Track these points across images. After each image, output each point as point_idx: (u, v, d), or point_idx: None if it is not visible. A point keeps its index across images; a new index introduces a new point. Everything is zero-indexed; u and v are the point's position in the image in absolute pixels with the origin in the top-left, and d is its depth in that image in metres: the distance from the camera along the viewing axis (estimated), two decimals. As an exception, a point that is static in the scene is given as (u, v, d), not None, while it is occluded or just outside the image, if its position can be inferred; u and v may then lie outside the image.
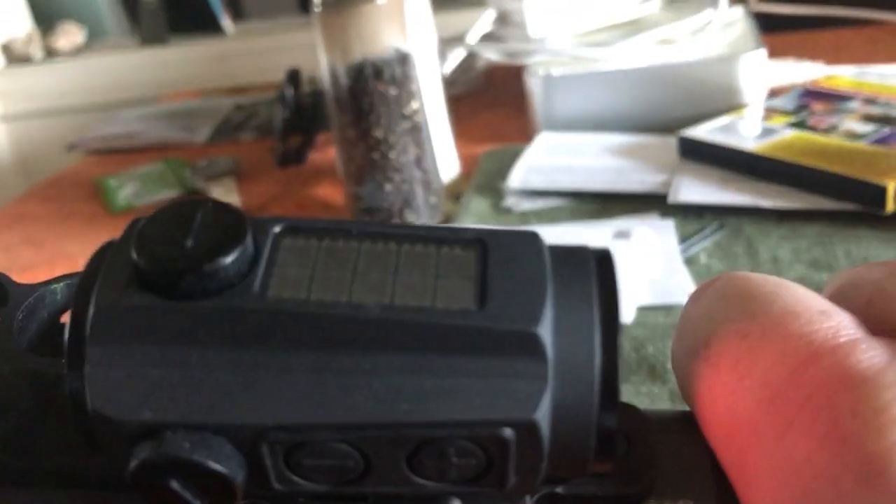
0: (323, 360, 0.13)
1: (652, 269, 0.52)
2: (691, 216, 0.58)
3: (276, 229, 0.14)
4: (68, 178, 0.84)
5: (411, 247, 0.15)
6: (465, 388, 0.13)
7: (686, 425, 0.18)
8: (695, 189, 0.59)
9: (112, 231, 0.59)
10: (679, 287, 0.51)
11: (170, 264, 0.13)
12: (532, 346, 0.13)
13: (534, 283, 0.14)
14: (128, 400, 0.13)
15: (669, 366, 0.44)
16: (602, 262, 0.15)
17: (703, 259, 0.54)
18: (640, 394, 0.43)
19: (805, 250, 0.53)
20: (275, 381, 0.13)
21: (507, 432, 0.13)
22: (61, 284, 0.20)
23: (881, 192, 0.53)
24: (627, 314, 0.48)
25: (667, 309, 0.49)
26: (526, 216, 0.62)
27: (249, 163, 0.79)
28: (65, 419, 0.16)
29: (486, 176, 0.69)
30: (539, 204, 0.63)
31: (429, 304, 0.14)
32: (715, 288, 0.19)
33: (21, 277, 0.57)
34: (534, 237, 0.15)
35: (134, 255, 0.13)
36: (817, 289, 0.48)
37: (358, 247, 0.14)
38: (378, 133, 0.61)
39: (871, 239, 0.53)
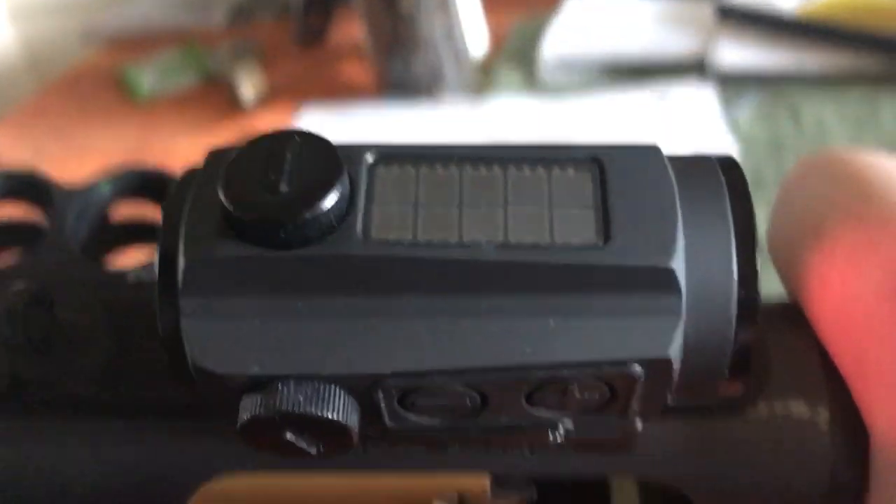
0: (437, 303, 0.12)
1: (694, 134, 0.51)
2: (731, 82, 0.56)
3: (370, 159, 0.13)
4: (86, 71, 0.82)
5: (518, 171, 0.13)
6: (592, 327, 0.12)
7: (791, 317, 0.16)
8: (734, 53, 0.57)
9: (138, 120, 0.58)
10: (724, 149, 0.50)
11: (266, 215, 0.12)
12: (665, 281, 0.12)
13: (662, 208, 0.13)
14: (232, 353, 0.12)
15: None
16: (730, 172, 0.14)
17: (745, 125, 0.53)
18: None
19: (850, 112, 0.52)
20: (387, 327, 0.12)
21: (636, 369, 0.12)
22: (106, 183, 0.20)
23: (930, 47, 0.52)
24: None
25: (711, 176, 0.48)
26: (561, 88, 0.60)
27: (270, 45, 0.77)
28: (145, 349, 0.16)
29: (517, 47, 0.67)
30: (574, 76, 0.62)
31: (547, 239, 0.12)
32: (819, 168, 0.17)
33: (52, 171, 0.57)
34: (655, 152, 0.13)
35: (224, 201, 0.12)
36: (864, 147, 0.47)
37: (459, 174, 0.13)
38: (405, 5, 0.59)
39: (918, 96, 0.52)
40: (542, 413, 0.13)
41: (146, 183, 0.20)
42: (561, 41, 0.64)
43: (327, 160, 0.12)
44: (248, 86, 0.68)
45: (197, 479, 0.16)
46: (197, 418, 0.15)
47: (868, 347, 0.15)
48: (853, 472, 0.15)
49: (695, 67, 0.58)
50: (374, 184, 0.13)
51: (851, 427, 0.15)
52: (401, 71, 0.62)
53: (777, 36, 0.58)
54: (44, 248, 0.19)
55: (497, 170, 0.13)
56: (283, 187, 0.12)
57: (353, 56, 0.71)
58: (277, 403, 0.12)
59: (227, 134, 0.62)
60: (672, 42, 0.61)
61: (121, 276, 0.18)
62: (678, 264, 0.12)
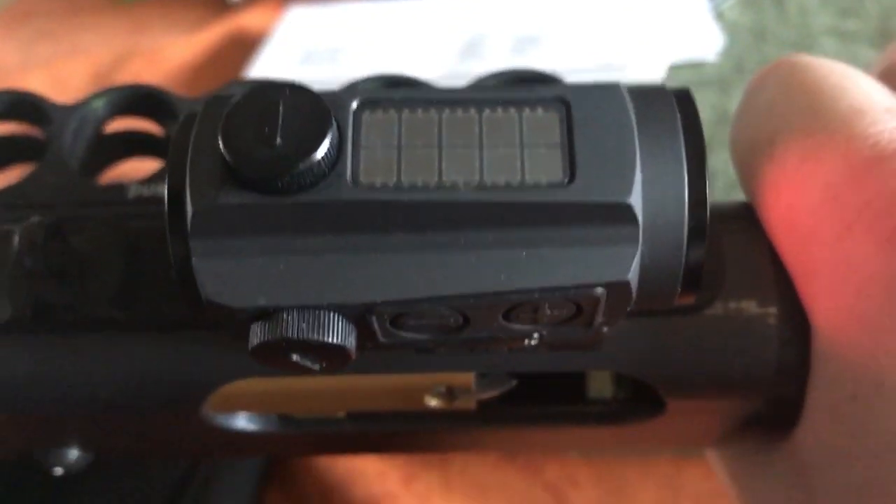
0: (421, 239, 0.14)
1: (679, 25, 0.52)
2: (717, -30, 0.56)
3: (354, 105, 0.14)
4: (68, -31, 0.81)
5: (492, 112, 0.14)
6: (559, 256, 0.14)
7: (748, 217, 0.18)
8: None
9: (125, 21, 0.57)
10: (707, 42, 0.50)
11: (264, 167, 0.13)
12: (624, 214, 0.14)
13: (621, 146, 0.14)
14: (241, 288, 0.14)
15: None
16: (684, 105, 0.15)
17: (730, 14, 0.53)
18: (670, 149, 0.44)
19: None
20: (378, 260, 0.14)
21: (599, 290, 0.14)
22: (101, 101, 0.21)
23: (915, -68, 0.52)
24: (658, 72, 0.48)
25: (696, 65, 0.49)
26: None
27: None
28: (154, 269, 0.17)
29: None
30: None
31: (518, 178, 0.14)
32: (778, 77, 0.18)
33: (43, 71, 0.57)
34: (616, 91, 0.14)
35: (225, 154, 0.14)
36: (845, 36, 0.48)
37: (438, 117, 0.14)
38: None
39: (902, -17, 0.52)
40: (518, 326, 0.15)
41: (138, 99, 0.21)
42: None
43: (316, 112, 0.14)
44: (234, -17, 0.67)
45: (211, 385, 0.18)
46: (208, 330, 0.17)
47: (811, 248, 0.16)
48: (797, 361, 0.17)
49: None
50: (360, 129, 0.14)
51: (796, 322, 0.17)
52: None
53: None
54: (44, 165, 0.20)
55: (473, 112, 0.14)
56: (278, 140, 0.13)
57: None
58: (282, 330, 0.14)
59: (215, 31, 0.62)
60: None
61: (121, 189, 0.19)
62: (636, 199, 0.14)
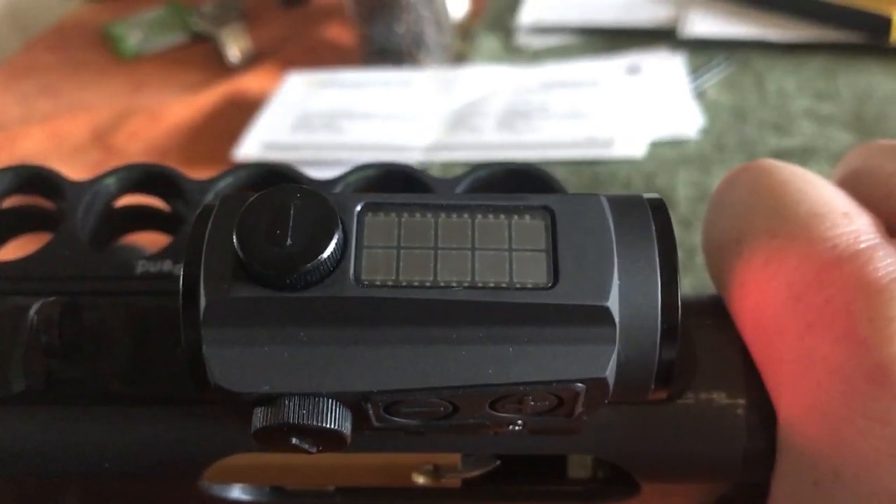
0: (416, 334, 0.15)
1: (662, 104, 0.54)
2: (700, 51, 0.59)
3: (358, 207, 0.16)
4: (70, 27, 0.83)
5: (484, 218, 0.16)
6: (543, 352, 0.15)
7: (716, 311, 0.19)
8: (704, 22, 0.60)
9: (126, 79, 0.59)
10: (688, 120, 0.52)
11: (274, 266, 0.15)
12: (602, 316, 0.15)
13: (601, 253, 0.15)
14: (247, 375, 0.15)
15: (677, 196, 0.47)
16: (657, 213, 0.16)
17: (711, 93, 0.55)
18: (651, 224, 0.46)
19: (810, 82, 0.55)
20: (375, 353, 0.15)
21: (579, 386, 0.15)
22: (113, 179, 0.22)
23: (886, 22, 0.54)
24: (640, 148, 0.50)
25: (676, 143, 0.51)
26: (538, 54, 0.63)
27: (253, 4, 0.78)
28: (162, 347, 0.18)
29: (497, 13, 0.69)
30: (550, 41, 0.64)
31: (507, 280, 0.15)
32: (746, 180, 0.19)
33: (43, 127, 0.59)
34: (597, 202, 0.16)
35: (238, 251, 0.15)
36: (821, 119, 0.50)
37: (435, 221, 0.16)
38: (387, -28, 0.61)
39: (874, 70, 0.55)
40: (503, 414, 0.16)
41: (148, 177, 0.22)
42: (538, 7, 0.66)
43: (324, 214, 0.15)
44: (234, 45, 0.69)
45: (210, 458, 0.19)
46: (210, 405, 0.18)
47: (775, 344, 0.17)
48: (763, 449, 0.18)
49: (666, 34, 0.61)
50: (363, 229, 0.16)
51: (763, 412, 0.18)
52: (383, 35, 0.64)
53: (744, 5, 0.61)
54: (57, 238, 0.21)
55: (467, 217, 0.16)
56: (289, 241, 0.15)
57: (338, 17, 0.72)
58: (284, 415, 0.15)
59: (214, 93, 0.64)
60: (645, 10, 0.63)
61: (129, 266, 0.20)
62: (613, 302, 0.15)
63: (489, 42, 0.65)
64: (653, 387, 0.16)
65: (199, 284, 0.15)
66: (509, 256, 0.15)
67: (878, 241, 0.17)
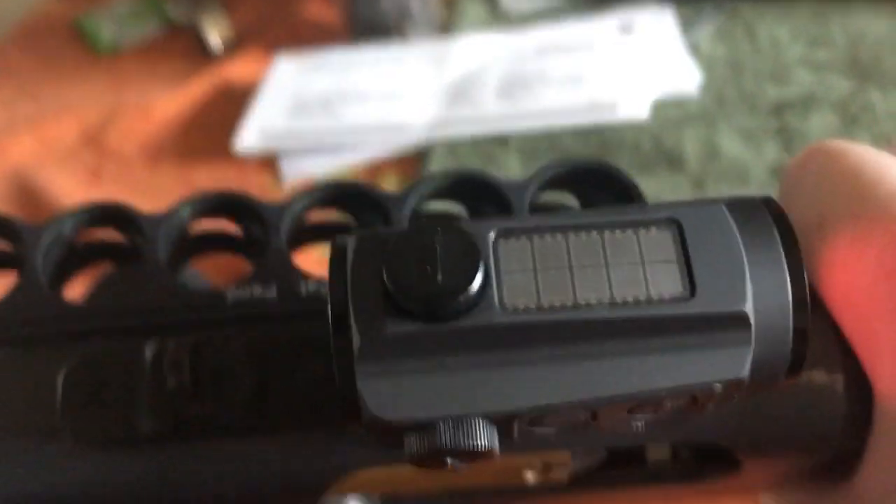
0: (561, 352, 0.16)
1: (659, 61, 0.54)
2: (686, 3, 0.59)
3: (492, 235, 0.16)
4: (39, 23, 0.81)
5: (612, 234, 0.16)
6: (683, 359, 0.16)
7: (811, 297, 0.20)
8: (689, -25, 0.60)
9: (105, 75, 0.58)
10: (687, 77, 0.53)
11: (429, 301, 0.15)
12: (740, 321, 0.16)
13: (732, 260, 0.16)
14: (401, 404, 0.16)
15: (687, 156, 0.47)
16: (774, 213, 0.17)
17: (705, 46, 0.55)
18: (662, 185, 0.46)
19: (802, 28, 0.55)
20: (522, 373, 0.16)
21: (717, 386, 0.16)
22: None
23: (874, -38, 0.55)
24: (644, 109, 0.50)
25: (678, 101, 0.51)
26: (526, 18, 0.62)
27: (226, -14, 0.77)
28: (282, 378, 0.19)
29: (477, -21, 0.69)
30: (536, 4, 0.63)
31: (645, 295, 0.16)
32: (817, 164, 0.20)
33: (31, 133, 0.57)
34: (718, 210, 0.17)
35: (392, 290, 0.16)
36: (818, 66, 0.50)
37: (566, 240, 0.16)
38: (369, -53, 0.60)
39: (864, 12, 0.55)
40: (640, 415, 0.17)
41: (221, 204, 0.23)
42: (520, -30, 0.66)
43: (467, 248, 0.16)
44: (214, 32, 0.68)
45: (335, 477, 0.19)
46: (331, 426, 0.19)
47: (870, 322, 0.18)
48: (861, 420, 0.19)
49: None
50: (500, 257, 0.16)
51: (859, 386, 0.19)
52: (368, 9, 0.63)
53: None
54: (143, 272, 0.21)
55: (595, 234, 0.16)
56: (439, 276, 0.16)
57: (317, -6, 0.71)
58: (439, 441, 0.16)
59: (201, 83, 0.63)
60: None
61: (220, 296, 0.20)
62: (749, 307, 0.16)
63: (474, 8, 0.65)
64: (783, 378, 0.17)
65: (350, 322, 0.16)
66: (643, 269, 0.16)
67: None
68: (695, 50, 0.55)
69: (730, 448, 0.20)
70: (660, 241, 0.16)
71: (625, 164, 0.48)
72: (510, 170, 0.49)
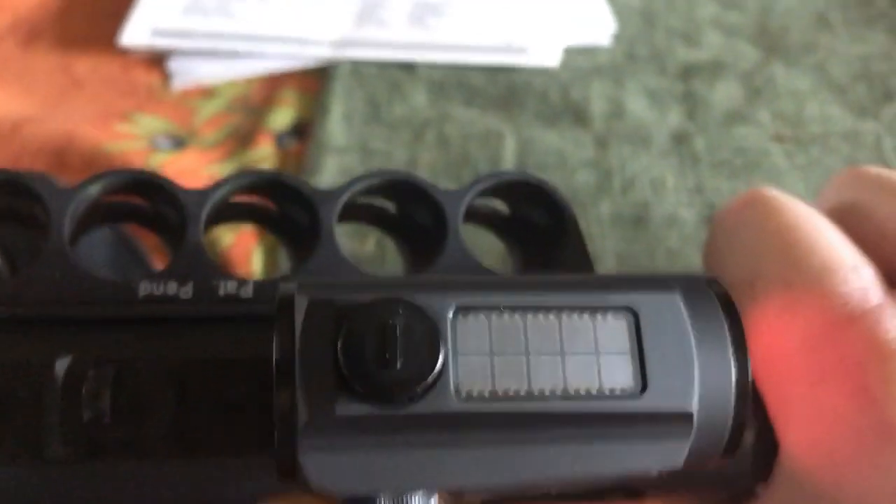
0: (508, 437, 0.16)
1: (572, 7, 0.53)
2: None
3: (450, 314, 0.16)
4: None
5: (569, 318, 0.16)
6: (628, 450, 0.16)
7: None
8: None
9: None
10: (601, 25, 0.52)
11: (386, 388, 0.15)
12: (684, 418, 0.16)
13: (684, 356, 0.16)
14: (342, 479, 0.16)
15: (592, 111, 0.47)
16: (724, 302, 0.18)
17: (620, -7, 0.55)
18: (565, 139, 0.46)
19: (716, -14, 0.55)
20: (468, 455, 0.16)
21: (654, 473, 0.17)
22: (97, 186, 0.21)
23: (793, -72, 0.55)
24: (555, 56, 0.50)
25: (589, 50, 0.51)
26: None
27: None
28: (202, 403, 0.18)
29: None
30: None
31: (597, 387, 0.16)
32: (753, 218, 0.20)
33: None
34: (673, 300, 0.17)
35: (347, 373, 0.15)
36: (728, 30, 0.50)
37: (523, 323, 0.16)
38: None
39: (777, -23, 0.55)
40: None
41: (137, 184, 0.21)
42: None
43: (428, 331, 0.16)
44: None
45: (251, 501, 0.19)
46: (250, 452, 0.18)
47: (786, 387, 0.19)
48: (762, 475, 0.20)
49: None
50: (457, 337, 0.16)
51: (767, 443, 0.20)
52: None
53: None
54: (46, 255, 0.19)
55: (553, 318, 0.16)
56: (399, 364, 0.15)
57: None
58: None
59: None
60: None
61: (130, 288, 0.19)
62: (695, 405, 0.16)
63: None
64: (714, 463, 0.18)
65: (294, 388, 0.15)
66: (597, 360, 0.16)
67: (884, 299, 0.18)
68: (610, -4, 0.54)
69: (637, 487, 0.20)
70: (615, 331, 0.16)
71: (531, 112, 0.47)
72: (416, 102, 0.48)
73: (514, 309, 0.16)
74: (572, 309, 0.16)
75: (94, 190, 0.20)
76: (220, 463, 0.18)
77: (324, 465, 0.15)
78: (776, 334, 0.19)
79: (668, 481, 0.21)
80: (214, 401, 0.18)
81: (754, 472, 0.20)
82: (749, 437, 0.20)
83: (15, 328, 0.18)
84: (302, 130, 0.47)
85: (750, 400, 0.17)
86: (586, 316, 0.16)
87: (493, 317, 0.16)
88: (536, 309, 0.16)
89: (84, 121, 0.48)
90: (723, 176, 0.43)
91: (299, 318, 0.16)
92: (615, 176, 0.44)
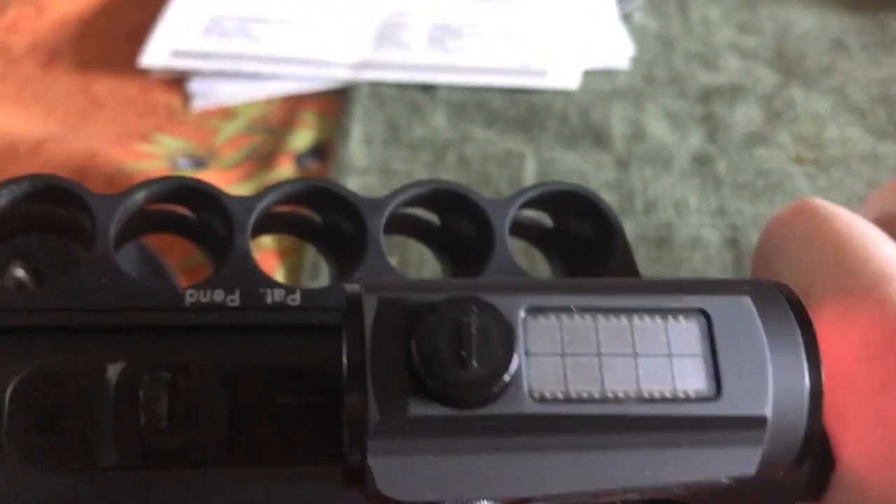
0: (582, 441, 0.15)
1: (592, 28, 0.53)
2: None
3: (522, 314, 0.16)
4: None
5: (641, 320, 0.16)
6: (699, 455, 0.16)
7: None
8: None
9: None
10: (619, 48, 0.52)
11: (460, 389, 0.15)
12: (758, 423, 0.16)
13: (757, 360, 0.16)
14: (411, 485, 0.15)
15: (613, 133, 0.47)
16: (794, 306, 0.17)
17: (638, 17, 0.55)
18: (586, 160, 0.46)
19: (733, 12, 0.55)
20: (540, 460, 0.15)
21: (725, 481, 0.16)
22: (143, 192, 0.21)
23: (809, -46, 0.55)
24: (574, 79, 0.50)
25: (608, 73, 0.51)
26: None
27: None
28: (257, 411, 0.18)
29: None
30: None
31: (671, 390, 0.16)
32: (804, 227, 0.20)
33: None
34: (745, 302, 0.17)
35: (422, 373, 0.15)
36: (745, 54, 0.50)
37: (595, 324, 0.16)
38: None
39: (793, 3, 0.56)
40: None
41: (182, 191, 0.21)
42: None
43: (503, 331, 0.15)
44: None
45: None
46: (305, 466, 0.18)
47: (844, 398, 0.19)
48: (818, 491, 0.20)
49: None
50: (529, 337, 0.16)
51: (824, 457, 0.19)
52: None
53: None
54: (92, 262, 0.19)
55: (624, 320, 0.16)
56: (474, 363, 0.15)
57: None
58: None
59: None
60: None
61: (176, 296, 0.19)
62: (769, 410, 0.16)
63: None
64: (784, 472, 0.17)
65: (366, 392, 0.15)
66: (670, 362, 0.16)
67: None
68: (627, 19, 0.55)
69: (687, 501, 0.20)
70: (688, 333, 0.16)
71: (551, 134, 0.47)
72: (436, 123, 0.48)
73: (585, 310, 0.16)
74: (644, 311, 0.16)
75: (140, 197, 0.20)
76: (274, 472, 0.18)
77: (394, 468, 0.15)
78: (833, 343, 0.19)
79: (727, 495, 0.20)
80: (267, 409, 0.18)
81: (809, 488, 0.20)
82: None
83: (63, 335, 0.18)
84: (322, 151, 0.47)
85: (822, 406, 0.17)
86: (658, 318, 0.16)
87: (565, 317, 0.16)
88: (608, 310, 0.16)
89: (104, 141, 0.48)
90: (745, 198, 0.43)
91: (369, 316, 0.15)
92: (637, 197, 0.44)
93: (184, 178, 0.20)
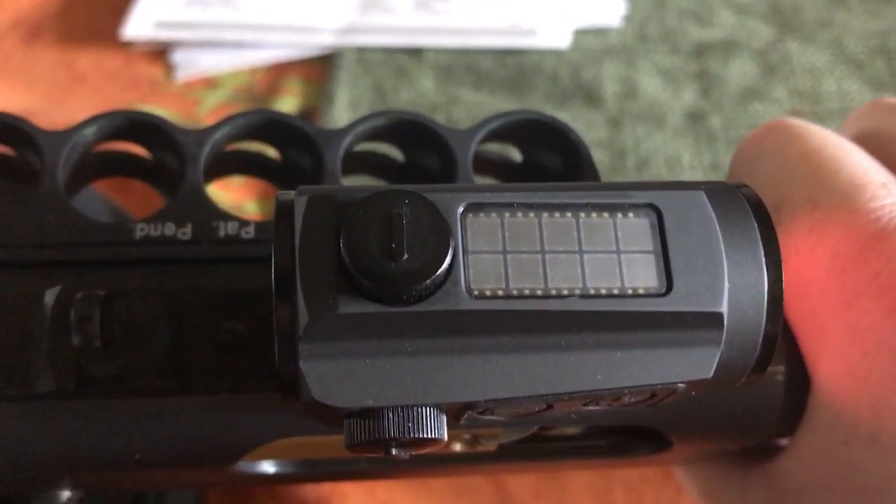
0: (526, 342, 0.14)
1: (582, -12, 0.52)
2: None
3: (460, 209, 0.15)
4: None
5: (588, 217, 0.15)
6: (653, 358, 0.15)
7: None
8: None
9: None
10: (611, 7, 0.51)
11: (391, 283, 0.14)
12: (714, 321, 0.15)
13: (711, 255, 0.15)
14: (347, 390, 0.14)
15: (604, 92, 0.46)
16: (754, 205, 0.16)
17: (629, -25, 0.54)
18: (576, 119, 0.45)
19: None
20: (485, 363, 0.14)
21: (681, 386, 0.15)
22: (93, 128, 0.20)
23: None
24: (565, 38, 0.49)
25: (599, 31, 0.50)
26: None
27: None
28: (200, 337, 0.17)
29: None
30: None
31: (619, 286, 0.15)
32: (776, 143, 0.19)
33: None
34: (698, 197, 0.15)
35: (350, 267, 0.14)
36: (740, 8, 0.49)
37: (538, 221, 0.15)
38: None
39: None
40: (594, 408, 0.16)
41: (134, 126, 0.20)
42: None
43: (436, 224, 0.14)
44: None
45: (254, 445, 0.18)
46: (249, 394, 0.17)
47: (818, 313, 0.18)
48: (796, 410, 0.19)
49: None
50: (467, 234, 0.15)
51: (798, 379, 0.19)
52: None
53: None
54: (39, 198, 0.18)
55: (570, 216, 0.15)
56: (404, 255, 0.14)
57: None
58: (384, 430, 0.14)
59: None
60: None
61: (126, 229, 0.18)
62: (724, 306, 0.15)
63: None
64: (744, 379, 0.16)
65: (296, 294, 0.14)
66: (618, 259, 0.15)
67: None
68: (619, -23, 0.53)
69: (662, 431, 0.19)
70: (637, 229, 0.15)
71: (541, 94, 0.46)
72: (424, 87, 0.47)
73: (528, 207, 0.15)
74: (591, 207, 0.15)
75: (90, 132, 0.19)
76: (219, 403, 0.17)
77: (328, 373, 0.14)
78: (804, 258, 0.18)
79: (700, 430, 0.19)
80: (212, 336, 0.17)
81: (786, 416, 0.19)
82: (780, 376, 0.19)
83: (6, 270, 0.18)
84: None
85: (782, 308, 0.16)
86: (606, 214, 0.15)
87: (506, 214, 0.15)
88: (552, 206, 0.15)
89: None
90: (740, 153, 0.42)
91: (299, 218, 0.14)
92: (629, 155, 0.42)
93: (134, 112, 0.20)
